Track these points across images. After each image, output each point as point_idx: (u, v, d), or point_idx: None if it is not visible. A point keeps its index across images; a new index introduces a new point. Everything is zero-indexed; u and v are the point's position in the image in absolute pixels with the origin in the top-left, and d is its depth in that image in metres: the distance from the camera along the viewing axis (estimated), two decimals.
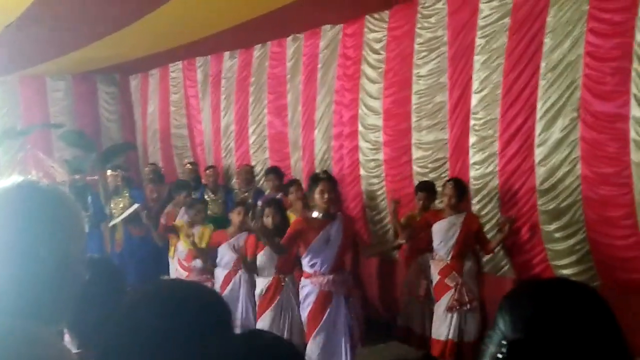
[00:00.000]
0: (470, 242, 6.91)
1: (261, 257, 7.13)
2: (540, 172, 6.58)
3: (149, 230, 9.37)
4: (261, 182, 10.25)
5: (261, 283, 7.15)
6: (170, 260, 8.82)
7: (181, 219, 8.86)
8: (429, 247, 7.15)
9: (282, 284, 7.06)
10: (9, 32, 8.56)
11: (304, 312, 6.40)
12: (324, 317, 6.27)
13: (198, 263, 8.00)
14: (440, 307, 6.82)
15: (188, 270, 8.07)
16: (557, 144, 6.40)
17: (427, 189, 7.45)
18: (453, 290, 6.74)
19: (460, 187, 6.89)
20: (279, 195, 8.59)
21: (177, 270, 8.35)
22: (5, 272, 1.61)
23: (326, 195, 6.26)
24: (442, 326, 6.74)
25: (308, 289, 6.38)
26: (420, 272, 7.36)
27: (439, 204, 7.47)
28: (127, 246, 10.12)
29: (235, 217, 7.79)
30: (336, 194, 6.73)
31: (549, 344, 1.37)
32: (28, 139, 12.07)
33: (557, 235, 6.53)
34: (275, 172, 9.40)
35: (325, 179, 6.35)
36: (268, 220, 6.97)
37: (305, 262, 6.40)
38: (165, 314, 1.48)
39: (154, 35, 9.78)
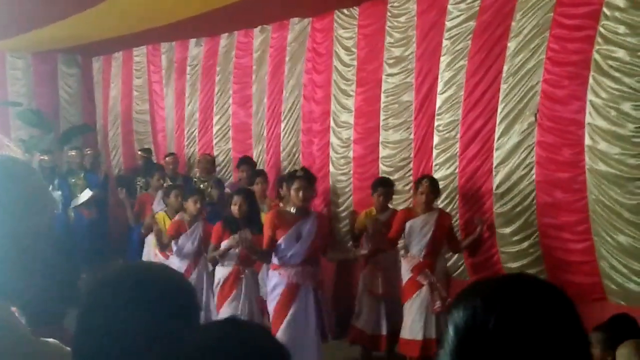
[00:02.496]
0: (443, 240, 7.03)
1: (226, 245, 7.05)
2: (497, 175, 6.78)
3: (99, 212, 9.65)
4: (223, 172, 10.35)
5: (219, 273, 7.17)
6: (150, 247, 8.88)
7: (159, 204, 9.11)
8: (389, 246, 7.22)
9: (241, 275, 7.08)
10: None
11: (272, 304, 6.45)
12: (292, 309, 6.35)
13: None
14: (412, 306, 6.86)
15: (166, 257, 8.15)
16: (514, 148, 6.62)
17: (385, 185, 7.52)
18: (425, 288, 6.81)
19: (435, 185, 7.02)
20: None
21: (156, 255, 8.46)
22: None
23: (301, 193, 6.38)
24: (418, 325, 6.77)
25: (276, 280, 6.44)
26: (377, 270, 7.38)
27: (397, 202, 7.61)
28: (78, 227, 10.45)
29: (191, 205, 7.81)
30: (312, 192, 6.83)
31: (503, 334, 1.34)
32: None
33: (511, 238, 6.73)
34: (247, 162, 9.48)
35: (303, 177, 6.47)
36: (235, 209, 7.02)
37: (274, 254, 6.48)
38: (129, 299, 1.49)
39: (119, 18, 9.78)
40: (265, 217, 6.73)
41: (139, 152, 11.61)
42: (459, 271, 7.41)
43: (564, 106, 6.17)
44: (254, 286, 7.19)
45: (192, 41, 11.50)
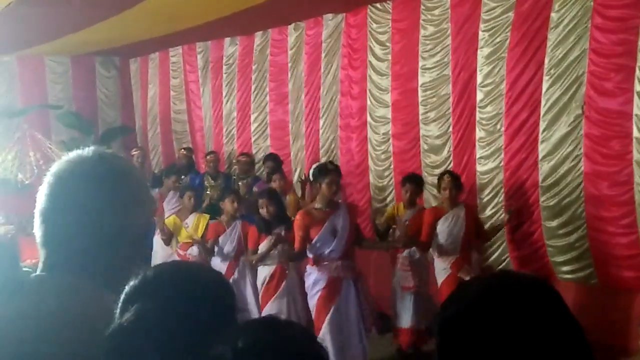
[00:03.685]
0: (473, 232, 6.90)
1: (264, 247, 7.03)
2: (543, 168, 6.64)
3: None
4: (262, 170, 10.28)
5: (264, 271, 7.08)
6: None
7: (169, 202, 9.01)
8: (424, 249, 7.12)
9: (287, 271, 7.02)
10: (8, 12, 8.51)
11: (313, 300, 6.37)
12: (335, 303, 6.26)
13: (194, 251, 7.98)
14: None
15: (184, 258, 8.04)
16: (561, 140, 6.48)
17: (414, 181, 7.37)
18: None
19: (457, 180, 6.90)
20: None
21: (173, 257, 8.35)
22: (70, 235, 1.72)
23: (334, 187, 6.32)
24: None
25: (315, 276, 6.35)
26: (409, 265, 7.21)
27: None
28: None
29: (228, 205, 7.72)
30: (339, 185, 6.72)
31: (491, 330, 1.33)
32: (26, 119, 12.04)
33: (557, 231, 6.60)
34: (273, 159, 9.40)
35: (334, 171, 6.40)
36: (263, 211, 6.96)
37: (311, 251, 6.39)
38: (168, 305, 1.45)
39: (155, 19, 9.73)
40: (295, 220, 6.54)
41: (182, 151, 11.51)
42: (502, 265, 7.25)
43: (610, 98, 6.01)
44: (298, 282, 7.08)
45: (227, 40, 11.42)
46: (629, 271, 6.08)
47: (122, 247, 1.77)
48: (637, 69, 5.78)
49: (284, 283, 6.98)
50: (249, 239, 7.23)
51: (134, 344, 1.40)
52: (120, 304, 1.48)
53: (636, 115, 5.78)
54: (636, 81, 5.78)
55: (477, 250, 7.08)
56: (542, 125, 6.62)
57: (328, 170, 6.36)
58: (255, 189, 9.29)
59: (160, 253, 8.38)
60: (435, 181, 7.68)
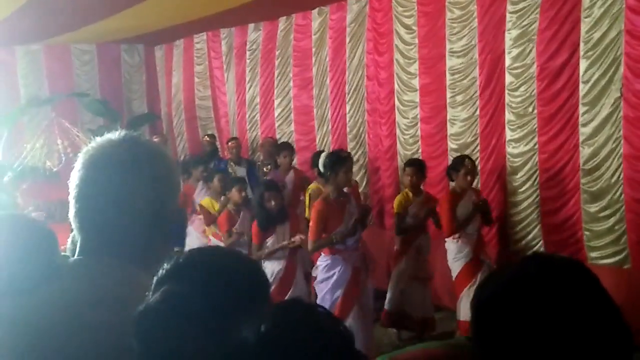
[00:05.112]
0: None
1: (272, 242, 6.73)
2: (584, 151, 6.43)
3: None
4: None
5: (271, 267, 6.66)
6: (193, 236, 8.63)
7: (199, 194, 8.89)
8: (426, 228, 7.10)
9: (297, 263, 6.75)
10: (35, 1, 8.41)
11: (336, 290, 6.07)
12: (360, 293, 6.10)
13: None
14: (474, 286, 6.45)
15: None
16: (601, 123, 6.25)
17: (416, 165, 7.19)
18: (486, 266, 6.56)
19: (474, 164, 6.80)
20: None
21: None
22: (106, 218, 1.72)
23: (350, 175, 6.19)
24: None
25: (339, 266, 6.07)
26: (419, 253, 7.09)
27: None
28: None
29: (235, 194, 7.46)
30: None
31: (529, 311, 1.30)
32: (53, 108, 11.96)
33: (597, 215, 6.39)
34: (290, 147, 9.29)
35: (349, 158, 6.22)
36: (270, 205, 6.63)
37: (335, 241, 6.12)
38: (198, 288, 1.39)
39: (179, 6, 9.63)
40: (313, 210, 6.24)
41: (205, 138, 11.40)
42: (533, 250, 7.00)
43: None
44: (303, 267, 6.90)
45: (251, 26, 11.21)
46: None
47: (158, 229, 1.76)
48: None
49: (294, 277, 6.71)
50: (252, 234, 6.88)
51: (160, 325, 1.36)
52: (152, 286, 1.44)
53: None
54: None
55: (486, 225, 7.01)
56: (582, 108, 6.39)
57: (344, 159, 6.13)
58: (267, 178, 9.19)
59: (195, 243, 8.22)
60: None
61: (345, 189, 6.28)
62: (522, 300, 1.31)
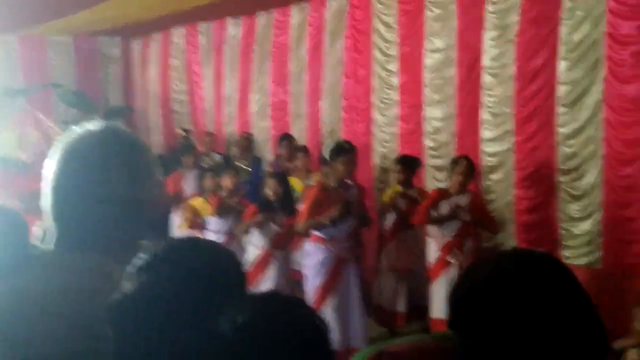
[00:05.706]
0: (475, 221, 6.59)
1: (250, 224, 6.84)
2: (563, 151, 6.40)
3: None
4: (262, 150, 10.05)
5: (251, 252, 6.85)
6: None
7: (187, 183, 8.84)
8: (417, 222, 6.91)
9: (271, 257, 6.79)
10: None
11: (317, 279, 6.12)
12: (339, 283, 6.12)
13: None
14: (440, 284, 6.51)
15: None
16: (582, 124, 6.24)
17: (405, 162, 7.23)
18: (453, 267, 6.46)
19: (472, 166, 6.60)
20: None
21: None
22: (83, 209, 1.68)
23: (350, 167, 6.18)
24: (445, 304, 6.45)
25: (322, 255, 6.11)
26: (401, 246, 7.12)
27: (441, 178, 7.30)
28: None
29: (227, 181, 7.51)
30: (355, 165, 6.51)
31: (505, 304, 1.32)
32: (28, 99, 11.76)
33: (575, 215, 6.37)
34: (287, 138, 9.15)
35: (351, 150, 6.24)
36: (270, 192, 6.78)
37: (323, 229, 6.13)
38: (174, 277, 1.39)
39: (157, 0, 9.51)
40: (308, 191, 6.40)
41: (180, 131, 11.29)
42: (505, 247, 6.92)
43: (627, 84, 5.77)
44: (285, 266, 6.93)
45: (230, 20, 11.08)
46: (635, 255, 5.88)
47: (135, 221, 1.74)
48: None
49: (268, 267, 6.75)
50: (245, 214, 6.99)
51: (135, 315, 1.35)
52: (128, 276, 1.41)
53: None
54: None
55: (474, 238, 6.77)
56: (561, 109, 6.35)
57: (345, 150, 6.18)
58: (268, 168, 9.09)
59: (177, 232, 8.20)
60: (437, 163, 7.52)
61: (349, 181, 6.30)
62: (502, 294, 1.32)
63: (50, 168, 1.72)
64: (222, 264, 1.48)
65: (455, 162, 6.66)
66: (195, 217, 7.73)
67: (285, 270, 6.90)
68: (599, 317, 1.36)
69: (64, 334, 1.54)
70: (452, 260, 6.50)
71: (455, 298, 1.43)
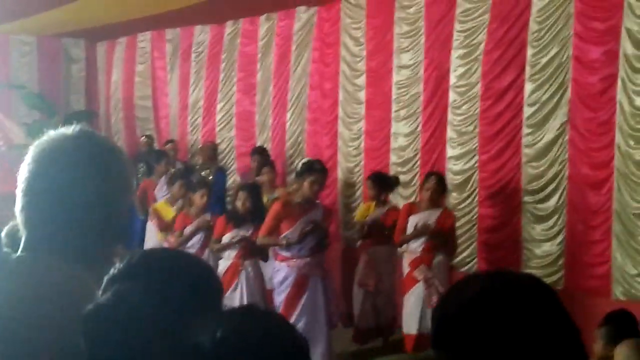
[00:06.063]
0: (443, 238, 6.60)
1: (227, 239, 6.80)
2: (528, 172, 6.43)
3: None
4: (226, 160, 9.94)
5: (220, 265, 6.82)
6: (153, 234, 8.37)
7: (160, 190, 8.70)
8: (384, 240, 6.99)
9: (240, 268, 6.73)
10: None
11: (280, 296, 6.22)
12: (303, 300, 6.15)
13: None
14: (409, 300, 6.55)
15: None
16: (547, 145, 6.28)
17: (375, 179, 7.21)
18: (423, 283, 6.46)
19: (442, 182, 6.61)
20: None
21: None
22: (55, 214, 1.63)
23: (316, 187, 6.18)
24: (414, 320, 6.46)
25: (285, 273, 6.21)
26: (371, 264, 7.10)
27: (405, 195, 7.34)
28: None
29: (198, 199, 7.42)
30: (323, 186, 6.52)
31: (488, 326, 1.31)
32: None
33: (539, 237, 6.40)
34: (259, 152, 8.96)
35: (320, 171, 6.23)
36: (240, 204, 6.74)
37: (282, 245, 6.22)
38: (151, 288, 1.36)
39: (125, 3, 9.39)
40: (272, 207, 6.42)
41: (143, 138, 11.13)
42: (468, 267, 7.02)
43: (593, 106, 5.82)
44: (255, 279, 6.83)
45: (197, 28, 10.95)
46: (597, 277, 5.94)
47: (108, 228, 1.70)
48: (619, 78, 5.60)
49: (238, 278, 6.70)
50: (215, 228, 6.96)
51: (110, 324, 1.32)
52: (103, 285, 1.39)
53: (619, 124, 5.63)
54: (618, 90, 5.60)
55: (446, 254, 6.74)
56: (527, 130, 6.40)
57: (314, 170, 6.19)
58: (238, 178, 8.99)
59: (152, 241, 8.07)
60: (403, 179, 7.51)
61: (317, 201, 6.41)
62: (488, 314, 1.32)
63: (23, 171, 1.67)
64: (199, 275, 1.45)
65: (426, 177, 6.70)
66: (161, 220, 7.75)
67: (254, 281, 6.82)
68: (581, 340, 1.37)
69: (34, 342, 1.49)
70: (419, 277, 6.48)
71: (440, 317, 1.41)
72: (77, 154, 1.67)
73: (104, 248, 1.72)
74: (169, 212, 7.85)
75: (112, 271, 1.40)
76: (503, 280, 1.41)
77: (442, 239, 6.53)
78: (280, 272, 6.27)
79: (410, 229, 6.58)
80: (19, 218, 1.68)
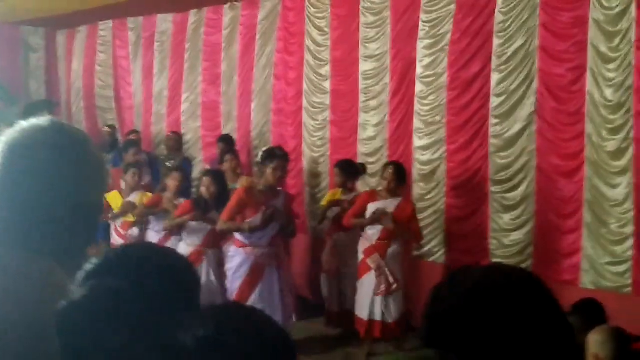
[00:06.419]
0: (401, 227, 6.55)
1: (191, 225, 6.80)
2: (495, 162, 6.43)
3: None
4: (191, 150, 9.82)
5: (183, 250, 6.69)
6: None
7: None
8: (346, 225, 6.96)
9: (203, 256, 6.76)
10: None
11: (235, 283, 6.21)
12: (257, 289, 6.12)
13: (135, 232, 7.61)
14: (362, 286, 6.62)
15: (124, 238, 7.63)
16: (514, 135, 6.29)
17: (342, 167, 7.23)
18: (375, 272, 6.50)
19: (400, 172, 6.60)
20: None
21: (112, 236, 7.88)
22: (26, 208, 1.59)
23: (279, 174, 6.14)
24: (365, 306, 6.55)
25: (240, 259, 6.19)
26: (334, 250, 7.20)
27: (374, 185, 7.30)
28: None
29: (171, 182, 7.35)
30: (286, 173, 6.53)
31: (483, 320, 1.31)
32: None
33: (506, 227, 6.42)
34: (224, 140, 8.85)
35: (282, 157, 6.18)
36: (204, 190, 6.76)
37: (243, 233, 6.17)
38: (128, 283, 1.32)
39: None
40: (235, 192, 6.39)
41: (105, 128, 10.92)
42: (436, 256, 7.05)
43: (561, 97, 5.84)
44: (216, 265, 6.84)
45: (160, 17, 10.75)
46: (567, 267, 5.98)
47: (81, 222, 1.65)
48: (588, 69, 5.62)
49: (199, 265, 6.65)
50: (179, 208, 6.93)
51: (86, 321, 1.28)
52: (77, 281, 1.34)
53: (589, 114, 5.66)
54: (587, 80, 5.63)
55: (403, 243, 6.74)
56: (494, 120, 6.40)
57: (276, 156, 6.16)
58: (207, 165, 8.89)
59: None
60: (370, 170, 7.50)
61: (279, 188, 6.39)
62: (482, 309, 1.31)
63: None
64: (177, 270, 1.41)
65: (384, 167, 6.70)
66: (107, 210, 7.61)
67: (216, 268, 6.82)
68: (572, 331, 1.39)
69: (6, 339, 1.44)
70: (372, 264, 6.52)
71: (431, 314, 1.39)
72: (48, 144, 1.62)
73: (79, 242, 1.67)
74: (119, 202, 7.77)
75: (87, 266, 1.35)
76: (495, 275, 1.41)
77: (400, 228, 6.51)
78: (235, 258, 6.23)
79: (367, 216, 6.60)
80: None
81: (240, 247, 6.21)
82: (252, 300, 6.01)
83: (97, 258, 1.38)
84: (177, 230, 6.92)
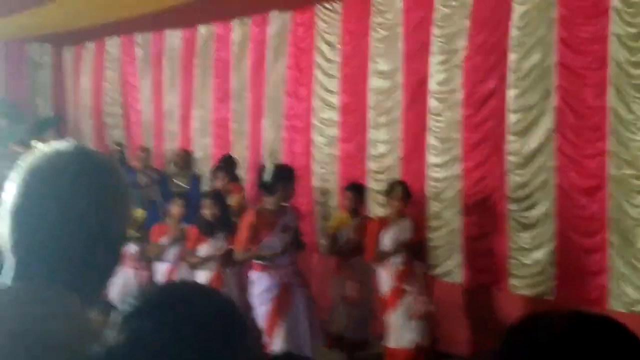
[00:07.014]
0: (417, 245, 6.47)
1: (203, 251, 6.66)
2: (513, 180, 6.29)
3: None
4: (203, 167, 9.66)
5: (201, 277, 6.58)
6: None
7: None
8: (361, 251, 6.75)
9: (223, 278, 6.63)
10: None
11: (263, 307, 5.95)
12: (289, 310, 5.92)
13: (131, 248, 7.33)
14: (397, 313, 6.31)
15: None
16: (532, 152, 6.15)
17: (355, 190, 7.01)
18: (408, 295, 6.28)
19: (407, 191, 6.45)
20: None
21: None
22: (49, 238, 1.47)
23: (289, 192, 6.05)
24: (406, 333, 6.25)
25: (268, 282, 5.95)
26: (351, 274, 6.88)
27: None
28: None
29: (175, 208, 7.17)
30: (294, 190, 6.31)
31: None
32: None
33: (526, 245, 6.27)
34: (223, 160, 8.69)
35: (291, 175, 6.09)
36: (207, 213, 6.64)
37: (262, 254, 5.98)
38: (170, 329, 1.22)
39: (92, 7, 9.17)
40: (244, 219, 6.15)
41: (114, 146, 10.81)
42: (452, 275, 6.89)
43: (581, 112, 5.71)
44: (237, 289, 6.66)
45: (168, 32, 10.68)
46: (591, 288, 5.80)
47: (104, 252, 1.54)
48: (608, 83, 5.47)
49: (221, 288, 6.42)
50: (188, 238, 6.80)
51: None
52: (117, 324, 1.24)
53: (612, 130, 5.51)
54: (609, 95, 5.49)
55: (422, 261, 6.61)
56: (511, 137, 6.27)
57: (284, 174, 6.04)
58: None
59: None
60: (381, 187, 7.30)
61: (286, 205, 6.21)
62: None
63: (10, 190, 1.50)
64: (223, 312, 1.32)
65: (391, 188, 6.51)
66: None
67: (238, 289, 6.66)
68: None
69: None
70: (408, 288, 6.31)
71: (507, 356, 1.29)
72: (71, 172, 1.51)
73: (99, 273, 1.57)
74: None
75: (124, 307, 1.27)
76: (578, 324, 1.28)
77: (415, 248, 6.40)
78: (262, 281, 5.99)
79: (387, 243, 6.37)
80: (4, 242, 1.51)
81: (262, 270, 6.00)
82: (286, 321, 5.86)
83: (135, 298, 1.28)
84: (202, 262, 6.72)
